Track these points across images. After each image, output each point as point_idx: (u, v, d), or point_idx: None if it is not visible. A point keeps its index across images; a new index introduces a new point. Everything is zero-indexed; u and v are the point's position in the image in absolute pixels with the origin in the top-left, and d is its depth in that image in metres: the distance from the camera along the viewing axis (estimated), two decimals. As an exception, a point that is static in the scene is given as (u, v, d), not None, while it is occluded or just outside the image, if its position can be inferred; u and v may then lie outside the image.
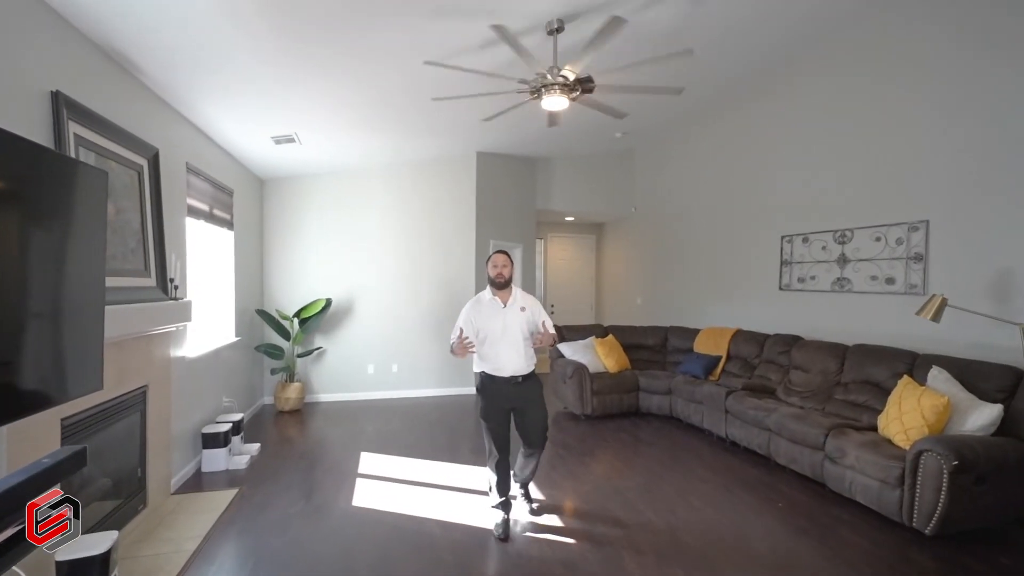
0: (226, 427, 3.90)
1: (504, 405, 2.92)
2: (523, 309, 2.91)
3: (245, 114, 3.97)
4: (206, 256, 4.40)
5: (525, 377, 2.91)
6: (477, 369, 2.97)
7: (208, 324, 4.42)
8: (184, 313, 3.30)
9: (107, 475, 2.70)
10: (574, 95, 3.21)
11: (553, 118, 3.70)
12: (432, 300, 6.35)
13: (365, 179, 6.15)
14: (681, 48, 3.02)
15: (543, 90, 3.11)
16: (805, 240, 4.79)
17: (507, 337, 2.86)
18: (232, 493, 3.40)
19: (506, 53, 2.98)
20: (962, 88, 3.49)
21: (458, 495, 3.39)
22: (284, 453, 4.24)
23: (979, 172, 3.42)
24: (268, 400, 5.88)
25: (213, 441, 3.79)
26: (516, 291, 2.95)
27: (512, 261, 2.94)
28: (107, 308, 2.38)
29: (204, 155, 4.17)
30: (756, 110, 5.35)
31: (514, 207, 7.15)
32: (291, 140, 4.56)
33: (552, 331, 2.88)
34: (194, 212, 3.91)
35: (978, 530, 2.78)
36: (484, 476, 3.61)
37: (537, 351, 3.00)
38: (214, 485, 3.55)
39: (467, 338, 2.77)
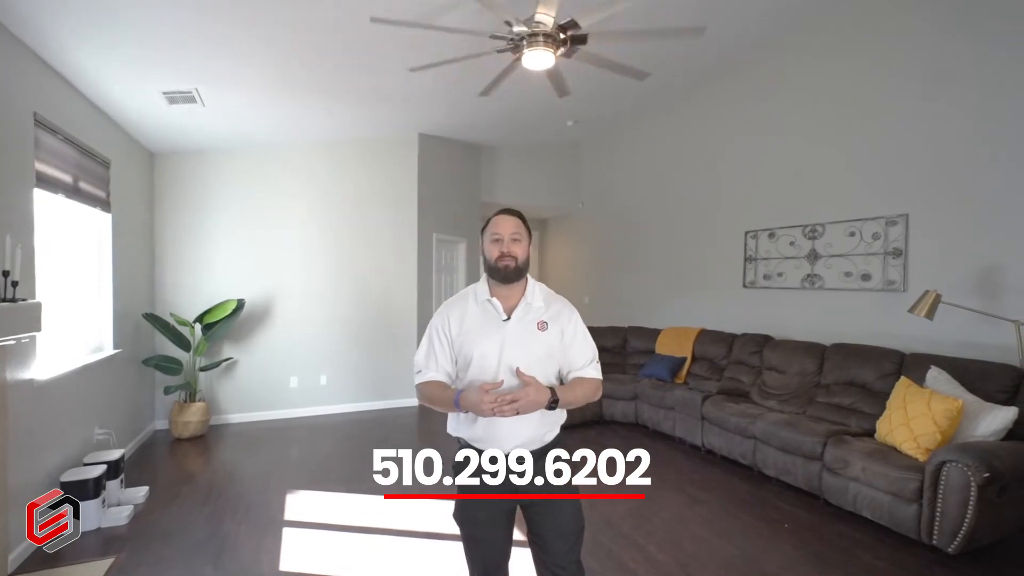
0: (98, 470, 2.94)
1: (499, 501, 1.54)
2: (543, 326, 1.54)
3: (125, 53, 3.01)
4: (68, 243, 3.36)
5: (540, 453, 1.54)
6: (453, 432, 1.61)
7: (72, 333, 3.38)
8: (29, 320, 2.37)
9: None
10: (560, 52, 2.67)
11: (491, 86, 3.21)
12: (368, 300, 5.54)
13: (286, 159, 5.22)
14: (688, 25, 2.61)
15: (526, 41, 2.54)
16: (772, 235, 4.60)
17: (508, 375, 1.48)
18: (105, 565, 2.49)
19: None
20: (944, 76, 3.38)
21: (419, 543, 2.73)
22: (182, 498, 3.31)
23: (962, 164, 3.31)
24: (161, 425, 4.78)
25: (78, 491, 2.80)
26: (535, 289, 1.58)
27: (529, 231, 1.59)
28: None
29: (65, 108, 3.15)
30: (718, 99, 5.13)
31: (459, 199, 6.51)
32: (190, 99, 3.61)
33: (595, 375, 1.58)
34: (48, 182, 2.91)
35: (993, 544, 2.58)
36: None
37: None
38: (79, 554, 2.60)
39: (485, 385, 1.43)
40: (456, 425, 1.57)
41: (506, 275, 1.53)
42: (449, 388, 1.54)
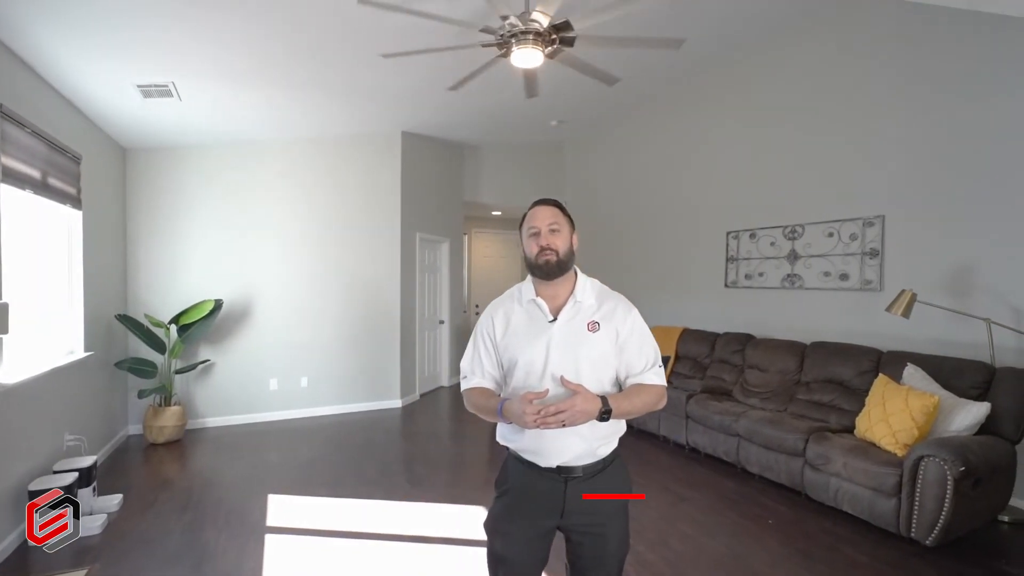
0: (69, 478, 2.81)
1: (539, 519, 1.38)
2: (595, 327, 1.38)
3: (98, 43, 2.90)
4: (36, 241, 3.22)
5: (592, 470, 1.37)
6: (502, 440, 1.46)
7: (40, 335, 3.24)
8: (-5, 322, 2.25)
9: None
10: (549, 49, 2.66)
11: (464, 80, 3.21)
12: (349, 300, 5.46)
13: (266, 156, 5.10)
14: (670, 36, 2.63)
15: (516, 38, 2.52)
16: (752, 236, 4.68)
17: (554, 383, 1.33)
18: (77, 576, 2.40)
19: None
20: (918, 81, 3.48)
21: (408, 547, 2.69)
22: (158, 505, 3.20)
23: (936, 167, 3.41)
24: (135, 430, 4.63)
25: (47, 500, 2.70)
26: (585, 285, 1.44)
27: (570, 219, 1.45)
28: None
29: (33, 100, 3.02)
30: (700, 101, 5.20)
31: (442, 198, 6.48)
32: (166, 92, 3.50)
33: (657, 381, 1.40)
34: (14, 177, 2.78)
35: (967, 536, 2.67)
36: (439, 518, 2.95)
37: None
38: (50, 565, 2.48)
39: (528, 394, 1.29)
40: (504, 434, 1.43)
41: (548, 270, 1.37)
42: (495, 396, 1.42)
